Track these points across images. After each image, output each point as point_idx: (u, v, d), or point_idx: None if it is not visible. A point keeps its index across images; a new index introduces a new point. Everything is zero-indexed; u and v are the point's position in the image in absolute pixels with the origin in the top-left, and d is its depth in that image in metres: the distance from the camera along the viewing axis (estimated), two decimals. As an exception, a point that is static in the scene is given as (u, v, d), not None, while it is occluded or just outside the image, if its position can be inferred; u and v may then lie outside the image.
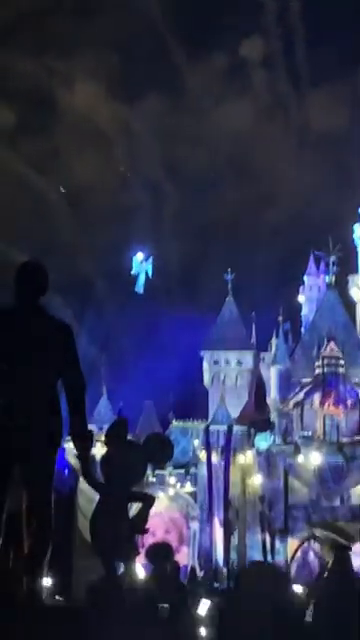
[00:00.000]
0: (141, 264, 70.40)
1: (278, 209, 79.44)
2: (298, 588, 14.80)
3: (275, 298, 72.93)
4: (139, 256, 70.33)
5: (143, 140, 76.87)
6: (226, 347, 71.23)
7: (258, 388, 71.78)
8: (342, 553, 10.43)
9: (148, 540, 13.75)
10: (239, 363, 71.79)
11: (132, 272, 69.40)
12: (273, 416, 69.19)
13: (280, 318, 73.08)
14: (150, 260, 71.00)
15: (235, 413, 68.55)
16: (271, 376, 71.57)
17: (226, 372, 71.67)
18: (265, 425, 68.01)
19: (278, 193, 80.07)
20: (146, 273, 69.67)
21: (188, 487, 66.42)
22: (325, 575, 11.08)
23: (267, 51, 78.13)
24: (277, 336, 72.69)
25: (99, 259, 79.00)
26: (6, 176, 75.69)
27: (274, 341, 72.84)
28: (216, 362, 71.84)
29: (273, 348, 72.56)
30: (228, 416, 67.79)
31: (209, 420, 68.34)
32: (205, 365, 72.09)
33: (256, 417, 69.20)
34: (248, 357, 72.11)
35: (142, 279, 69.85)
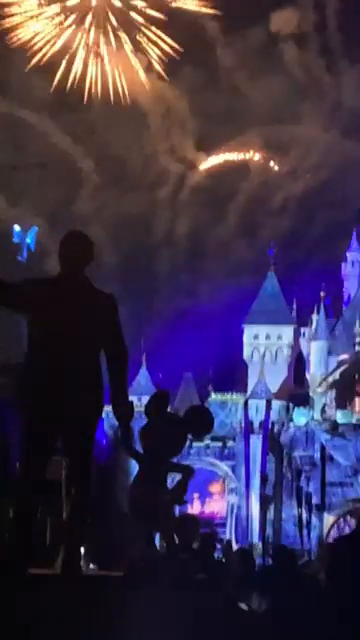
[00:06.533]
0: (22, 233, 70.27)
1: (315, 182, 78.68)
2: None
3: (317, 272, 72.60)
4: (17, 226, 70.31)
5: (176, 115, 76.40)
6: (267, 321, 71.07)
7: (298, 363, 71.71)
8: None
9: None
10: (279, 338, 71.62)
11: (14, 241, 69.51)
12: (312, 392, 69.17)
13: (322, 294, 72.90)
14: (34, 230, 70.36)
15: (274, 388, 68.57)
16: (311, 351, 71.48)
17: (266, 346, 71.53)
18: (304, 400, 68.00)
19: (313, 166, 79.13)
20: (28, 245, 69.53)
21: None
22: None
23: (301, 25, 76.75)
24: (318, 312, 72.51)
25: (136, 229, 78.83)
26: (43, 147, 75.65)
27: (315, 316, 72.67)
28: (256, 336, 71.72)
29: (314, 323, 72.38)
30: (267, 390, 67.82)
31: (248, 394, 68.40)
32: (245, 339, 72.03)
33: (295, 392, 69.20)
34: (288, 332, 71.91)
35: (25, 247, 69.21)
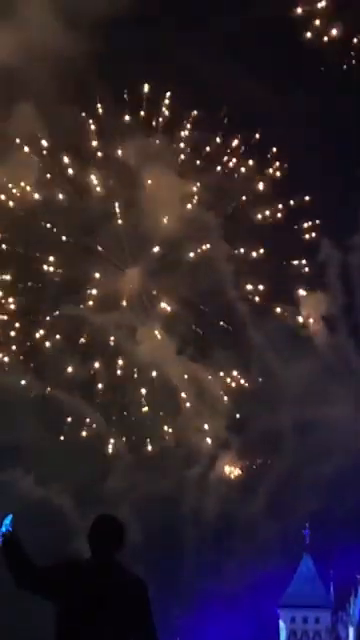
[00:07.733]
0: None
1: (346, 460, 78.34)
2: None
3: (353, 553, 71.24)
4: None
5: (208, 395, 77.40)
6: (304, 604, 69.86)
7: (337, 648, 69.62)
8: None
9: None
10: (317, 622, 70.01)
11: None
12: None
13: (358, 576, 71.55)
14: (9, 518, 69.05)
15: None
16: (349, 636, 69.64)
17: (304, 630, 69.83)
18: None
19: (343, 445, 78.96)
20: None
21: None
22: None
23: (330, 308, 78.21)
24: (356, 595, 71.09)
25: (164, 508, 78.24)
26: None
27: (352, 600, 71.20)
28: (293, 620, 70.21)
29: (352, 607, 70.83)
30: None
31: None
32: (282, 622, 70.51)
33: None
34: (326, 616, 70.34)
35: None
